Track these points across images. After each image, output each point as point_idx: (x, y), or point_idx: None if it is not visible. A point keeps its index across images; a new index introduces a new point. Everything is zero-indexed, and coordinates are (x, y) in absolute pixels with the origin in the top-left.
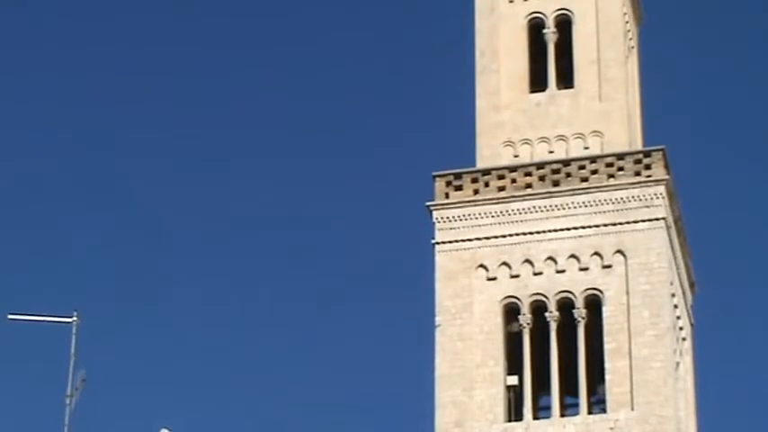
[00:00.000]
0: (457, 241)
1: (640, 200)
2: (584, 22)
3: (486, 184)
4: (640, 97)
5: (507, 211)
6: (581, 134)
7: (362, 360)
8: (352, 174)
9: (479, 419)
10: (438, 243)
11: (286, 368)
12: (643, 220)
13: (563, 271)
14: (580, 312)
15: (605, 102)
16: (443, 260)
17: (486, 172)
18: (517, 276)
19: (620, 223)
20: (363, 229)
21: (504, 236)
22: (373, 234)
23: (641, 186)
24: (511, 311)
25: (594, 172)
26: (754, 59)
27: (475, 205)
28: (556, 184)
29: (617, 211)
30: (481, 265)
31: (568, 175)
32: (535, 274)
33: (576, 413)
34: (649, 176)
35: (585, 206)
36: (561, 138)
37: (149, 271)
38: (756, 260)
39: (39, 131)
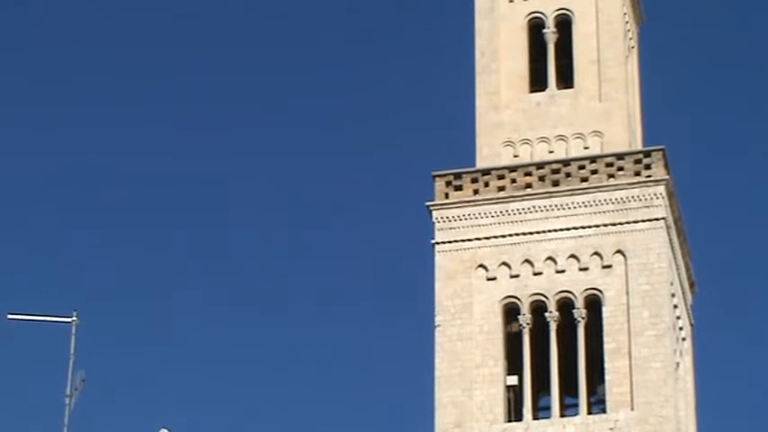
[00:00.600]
0: (457, 241)
1: (640, 200)
2: (584, 22)
3: (486, 184)
4: (640, 97)
5: (507, 211)
6: (581, 134)
7: (362, 360)
8: (352, 173)
9: (479, 420)
10: (438, 243)
11: (286, 368)
12: (643, 221)
13: (563, 271)
14: (580, 312)
15: (605, 102)
16: (443, 260)
17: (486, 172)
18: (517, 276)
19: (620, 223)
20: (363, 229)
21: (503, 236)
22: (373, 234)
23: (641, 186)
24: (511, 311)
25: (594, 172)
26: (755, 59)
27: (475, 205)
28: (556, 184)
29: (617, 211)
30: (481, 265)
31: (568, 175)
32: (535, 274)
33: (576, 413)
34: (649, 176)
35: (585, 206)
36: (561, 138)
37: (149, 271)
38: (756, 260)
39: (39, 131)
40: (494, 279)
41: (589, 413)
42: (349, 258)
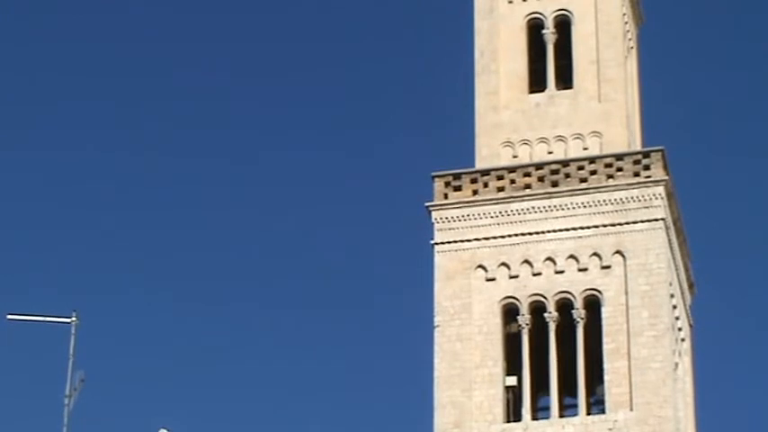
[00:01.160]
0: (456, 242)
1: (639, 200)
2: (583, 22)
3: (486, 185)
4: (640, 97)
5: (506, 211)
6: (580, 134)
7: (362, 360)
8: (352, 173)
9: (478, 420)
10: (437, 243)
11: (286, 368)
12: (642, 221)
13: (562, 271)
14: (579, 313)
15: (604, 102)
16: (442, 260)
17: (486, 172)
18: (516, 277)
19: (620, 224)
20: (363, 230)
21: (503, 236)
22: (373, 234)
23: (640, 187)
24: (510, 312)
25: (593, 172)
26: (754, 60)
27: (474, 206)
28: (555, 184)
29: (616, 211)
30: (480, 266)
31: (567, 175)
32: (534, 275)
33: (575, 414)
34: (648, 177)
35: (584, 207)
36: (560, 138)
37: (149, 271)
38: (755, 260)
39: (39, 130)
40: (493, 279)
41: (588, 413)
42: (348, 258)
